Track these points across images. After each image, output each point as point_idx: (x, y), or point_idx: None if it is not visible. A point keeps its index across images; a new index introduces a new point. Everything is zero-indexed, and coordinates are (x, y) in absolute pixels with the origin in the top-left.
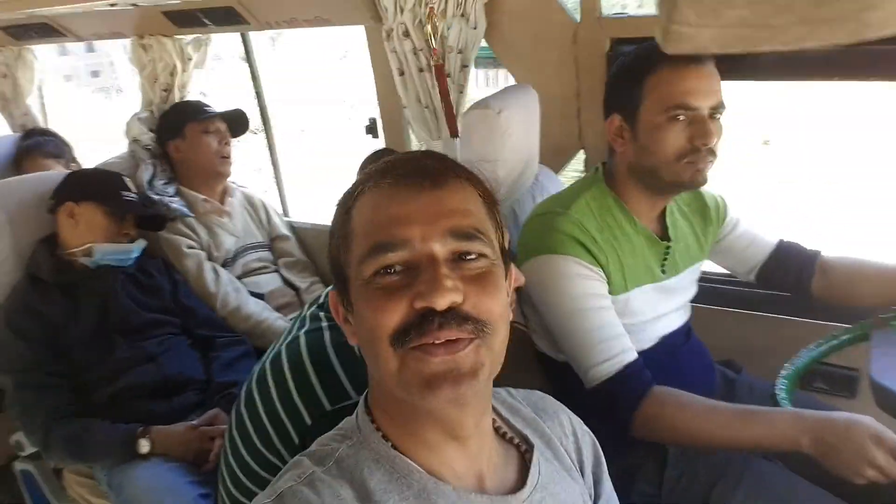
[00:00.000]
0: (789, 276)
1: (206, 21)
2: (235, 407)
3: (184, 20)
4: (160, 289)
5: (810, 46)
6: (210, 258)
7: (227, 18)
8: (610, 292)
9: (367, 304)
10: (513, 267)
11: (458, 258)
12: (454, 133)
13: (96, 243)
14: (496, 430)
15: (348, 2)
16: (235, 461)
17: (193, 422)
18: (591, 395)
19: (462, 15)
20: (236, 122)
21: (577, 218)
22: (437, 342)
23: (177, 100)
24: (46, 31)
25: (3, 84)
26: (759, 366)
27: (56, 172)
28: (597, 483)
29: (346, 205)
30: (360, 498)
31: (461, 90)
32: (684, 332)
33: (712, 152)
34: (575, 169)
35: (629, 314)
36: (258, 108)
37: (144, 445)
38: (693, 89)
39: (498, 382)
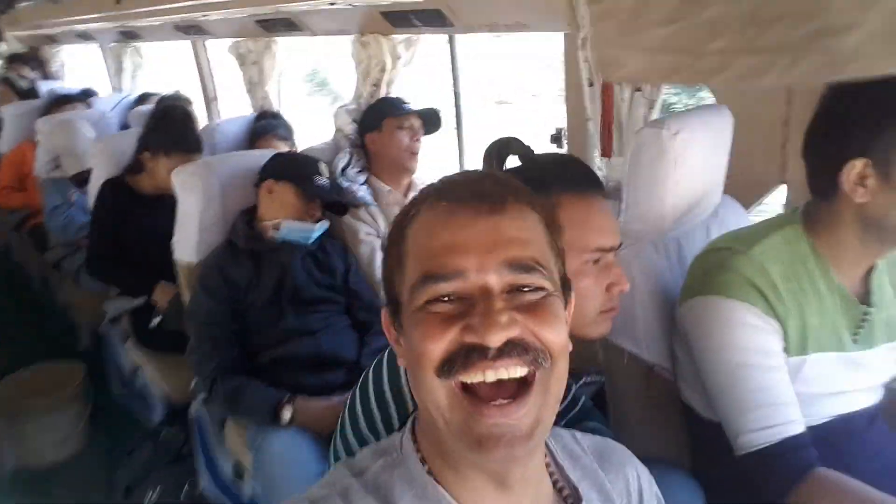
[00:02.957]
0: None
1: (417, 22)
2: (353, 390)
3: (397, 20)
4: (334, 269)
5: (775, 83)
6: (383, 247)
7: (435, 20)
8: (784, 351)
9: (417, 329)
10: (572, 297)
11: (515, 290)
12: (606, 153)
13: (286, 219)
14: (549, 474)
15: (548, 8)
16: (342, 443)
17: (335, 400)
18: (741, 463)
19: None
20: (430, 121)
21: (759, 260)
22: (493, 403)
23: (383, 95)
24: (289, 25)
25: (251, 70)
26: None
27: (265, 151)
28: None
29: (402, 224)
30: None
31: (652, 105)
32: (869, 416)
33: None
34: (771, 207)
35: (801, 382)
36: (454, 109)
37: (287, 413)
38: None
39: (633, 433)
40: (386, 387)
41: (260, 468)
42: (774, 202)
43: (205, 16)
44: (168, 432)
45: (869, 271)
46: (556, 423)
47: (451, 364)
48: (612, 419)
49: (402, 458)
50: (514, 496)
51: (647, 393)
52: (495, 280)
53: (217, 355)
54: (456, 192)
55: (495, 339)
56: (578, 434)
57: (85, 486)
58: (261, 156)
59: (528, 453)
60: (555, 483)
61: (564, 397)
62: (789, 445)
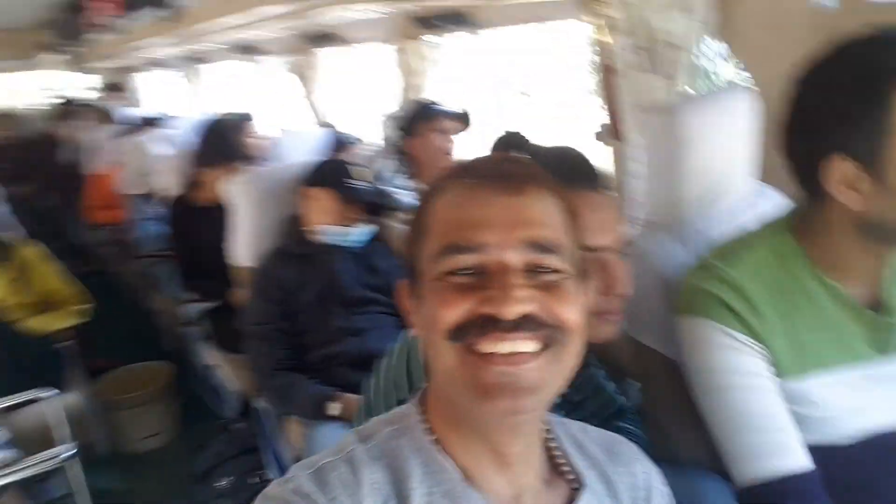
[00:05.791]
0: None
1: (443, 24)
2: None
3: (425, 24)
4: (381, 270)
5: None
6: None
7: (459, 21)
8: (777, 376)
9: (434, 297)
10: (591, 283)
11: (533, 270)
12: (616, 136)
13: (324, 224)
14: (551, 458)
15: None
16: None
17: None
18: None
19: (684, 7)
20: (461, 120)
21: (736, 277)
22: (501, 353)
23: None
24: (331, 38)
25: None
26: None
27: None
28: None
29: (428, 198)
30: (393, 481)
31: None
32: None
33: None
34: None
35: (809, 404)
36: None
37: (334, 409)
38: None
39: (668, 436)
40: (402, 369)
41: None
42: None
43: (257, 35)
44: (237, 426)
45: (881, 271)
46: (588, 421)
47: (465, 331)
48: (648, 421)
49: (408, 426)
50: (515, 472)
51: (681, 394)
52: (514, 257)
53: (268, 353)
54: (480, 171)
55: (511, 312)
56: (588, 427)
57: (169, 472)
58: (302, 166)
59: (531, 417)
60: (559, 465)
61: (600, 394)
62: (790, 487)
